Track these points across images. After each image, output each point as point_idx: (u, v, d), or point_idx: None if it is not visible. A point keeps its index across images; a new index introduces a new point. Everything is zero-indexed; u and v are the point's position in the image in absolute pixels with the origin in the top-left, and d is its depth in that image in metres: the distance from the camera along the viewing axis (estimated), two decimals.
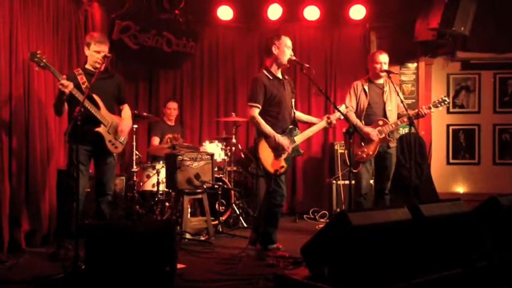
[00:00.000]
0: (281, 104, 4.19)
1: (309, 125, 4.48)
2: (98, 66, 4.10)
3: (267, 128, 4.10)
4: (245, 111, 6.77)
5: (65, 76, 3.97)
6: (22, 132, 4.38)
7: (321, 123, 4.39)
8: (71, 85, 3.87)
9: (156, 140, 6.17)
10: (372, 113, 4.81)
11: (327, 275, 2.61)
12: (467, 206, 3.23)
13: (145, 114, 6.15)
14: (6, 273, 3.58)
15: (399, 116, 4.80)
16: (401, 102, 4.71)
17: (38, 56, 3.78)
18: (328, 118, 4.36)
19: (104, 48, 4.15)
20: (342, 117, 4.33)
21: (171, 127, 6.36)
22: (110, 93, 4.27)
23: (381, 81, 4.88)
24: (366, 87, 4.85)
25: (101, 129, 4.10)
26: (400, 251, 2.70)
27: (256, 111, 4.12)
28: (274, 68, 4.23)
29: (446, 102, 4.75)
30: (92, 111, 4.00)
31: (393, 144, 4.84)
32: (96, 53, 4.12)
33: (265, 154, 4.09)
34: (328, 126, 4.49)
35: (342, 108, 4.47)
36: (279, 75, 4.26)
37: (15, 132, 4.30)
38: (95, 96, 4.06)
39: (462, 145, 7.08)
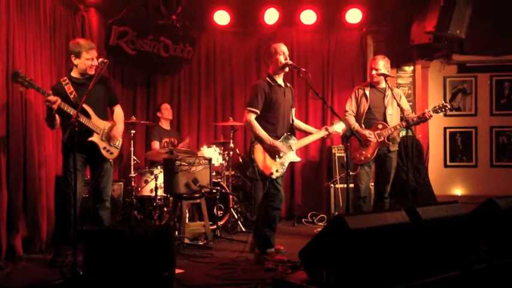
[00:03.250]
0: (278, 111, 4.25)
1: (307, 134, 4.53)
2: (90, 73, 4.08)
3: (261, 132, 4.15)
4: (243, 116, 6.83)
5: (51, 92, 3.88)
6: (19, 138, 4.38)
7: (319, 133, 4.44)
8: (58, 101, 3.80)
9: (156, 145, 6.19)
10: (372, 117, 4.85)
11: (326, 279, 2.61)
12: (464, 209, 3.24)
13: (142, 122, 6.20)
14: (4, 280, 3.57)
15: (403, 119, 4.81)
16: (398, 105, 4.72)
17: (21, 75, 3.67)
18: (327, 129, 4.41)
19: (94, 54, 4.12)
20: (341, 132, 4.38)
21: (167, 131, 6.38)
22: (99, 99, 4.20)
23: (382, 85, 4.90)
24: (367, 92, 4.88)
25: (94, 138, 4.07)
26: (398, 254, 2.70)
27: (252, 116, 4.18)
28: (275, 75, 4.29)
29: (447, 108, 4.76)
30: (83, 121, 3.95)
31: (394, 148, 4.86)
32: (88, 60, 4.08)
33: (260, 157, 4.12)
34: (326, 137, 4.50)
35: (338, 126, 4.49)
36: (281, 82, 4.32)
37: (12, 138, 4.29)
38: (84, 105, 3.96)
39: (459, 148, 7.09)
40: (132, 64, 6.37)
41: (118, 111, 4.44)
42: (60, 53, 5.13)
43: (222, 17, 6.70)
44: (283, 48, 4.25)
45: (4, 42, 4.20)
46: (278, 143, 4.16)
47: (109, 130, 4.19)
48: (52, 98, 3.78)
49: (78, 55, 4.09)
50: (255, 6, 6.70)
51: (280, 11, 6.66)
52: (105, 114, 4.29)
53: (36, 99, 4.59)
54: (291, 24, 6.89)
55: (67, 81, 4.08)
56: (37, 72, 4.60)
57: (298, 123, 4.57)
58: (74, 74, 4.17)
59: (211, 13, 6.68)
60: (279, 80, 4.31)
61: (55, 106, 3.79)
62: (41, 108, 4.61)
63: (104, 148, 4.16)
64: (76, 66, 4.14)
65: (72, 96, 4.00)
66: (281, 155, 4.17)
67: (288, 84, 4.43)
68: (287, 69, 4.27)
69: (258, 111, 4.18)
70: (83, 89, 3.79)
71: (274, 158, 4.15)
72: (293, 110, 4.52)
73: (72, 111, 3.81)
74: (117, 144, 4.29)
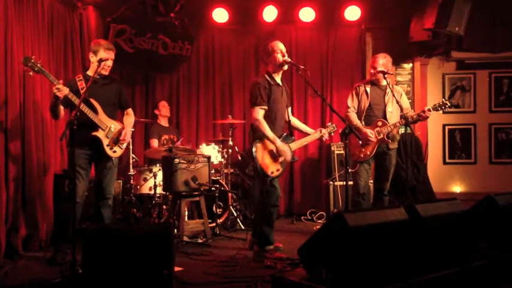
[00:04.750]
0: (277, 109, 4.24)
1: (303, 133, 4.53)
2: (105, 72, 4.14)
3: (270, 133, 4.12)
4: (241, 113, 6.83)
5: (61, 81, 3.93)
6: (18, 137, 4.37)
7: (315, 135, 4.45)
8: (66, 90, 3.84)
9: (155, 142, 6.19)
10: (372, 114, 4.85)
11: (325, 276, 2.61)
12: (463, 206, 3.24)
13: (142, 120, 6.21)
14: (3, 278, 3.57)
15: (402, 117, 4.80)
16: (397, 103, 4.72)
17: (32, 60, 3.73)
18: (321, 131, 4.42)
19: (112, 55, 4.18)
20: (333, 134, 4.43)
21: (166, 128, 6.39)
22: (109, 99, 4.24)
23: (383, 83, 4.91)
24: (368, 89, 4.89)
25: (98, 133, 4.08)
26: (397, 251, 2.70)
27: (261, 113, 4.14)
28: (274, 74, 4.27)
29: (447, 106, 4.76)
30: (89, 115, 3.98)
31: (393, 146, 4.86)
32: (104, 60, 4.12)
33: (262, 156, 4.10)
34: (321, 139, 4.49)
35: (331, 127, 4.53)
36: (279, 81, 4.31)
37: (11, 137, 4.28)
38: (92, 101, 4.04)
39: (458, 145, 7.10)
40: (131, 62, 6.34)
41: (128, 116, 4.47)
42: (58, 51, 5.12)
43: (220, 15, 6.69)
44: (280, 46, 4.24)
45: (2, 41, 4.19)
46: (284, 147, 4.14)
47: (117, 133, 4.19)
48: (61, 86, 3.82)
49: (96, 53, 4.14)
50: (254, 4, 6.69)
51: (278, 8, 6.64)
52: (114, 115, 4.29)
53: (35, 97, 4.59)
54: (289, 22, 6.88)
55: (81, 77, 4.14)
56: None
57: (295, 122, 4.56)
58: (90, 72, 4.20)
59: (210, 10, 6.67)
60: (277, 78, 4.30)
61: (61, 94, 3.81)
62: (39, 106, 4.61)
63: (108, 145, 4.16)
64: (93, 63, 4.18)
65: (83, 92, 4.01)
66: (281, 160, 4.17)
67: (285, 84, 4.43)
68: (286, 67, 4.26)
69: (266, 107, 4.17)
70: (95, 87, 3.85)
71: (275, 159, 4.14)
72: (289, 109, 4.52)
73: (78, 101, 3.83)
74: (122, 144, 4.29)
